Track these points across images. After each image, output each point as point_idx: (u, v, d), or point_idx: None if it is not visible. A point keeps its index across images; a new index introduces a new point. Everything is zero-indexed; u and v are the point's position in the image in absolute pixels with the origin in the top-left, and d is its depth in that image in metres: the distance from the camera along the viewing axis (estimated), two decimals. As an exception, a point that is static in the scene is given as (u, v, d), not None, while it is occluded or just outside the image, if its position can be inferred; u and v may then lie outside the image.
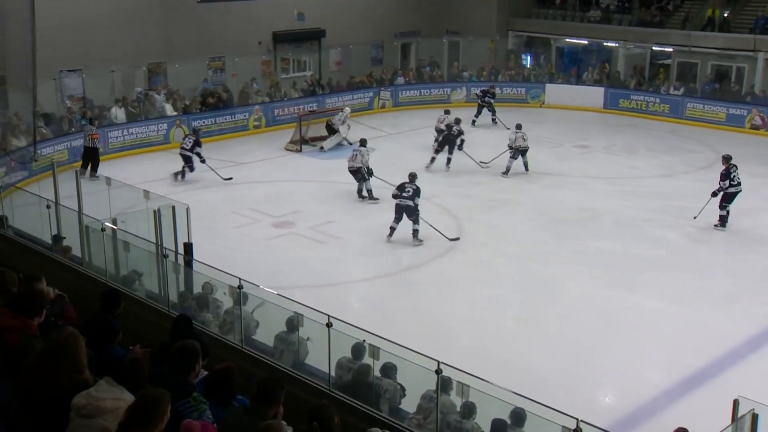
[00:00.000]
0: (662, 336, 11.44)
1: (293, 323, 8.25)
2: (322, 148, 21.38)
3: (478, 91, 25.35)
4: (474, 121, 24.09)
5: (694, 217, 15.43)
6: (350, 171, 17.16)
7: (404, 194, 14.64)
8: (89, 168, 17.92)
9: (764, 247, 14.75)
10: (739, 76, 25.21)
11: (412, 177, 14.96)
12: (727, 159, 15.56)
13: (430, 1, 29.88)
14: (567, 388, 9.65)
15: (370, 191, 17.04)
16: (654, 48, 26.99)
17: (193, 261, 9.95)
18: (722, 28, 25.69)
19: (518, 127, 19.39)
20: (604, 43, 28.23)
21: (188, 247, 10.35)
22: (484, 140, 21.74)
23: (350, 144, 20.88)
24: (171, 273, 9.48)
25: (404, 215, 14.68)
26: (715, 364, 10.58)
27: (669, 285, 13.11)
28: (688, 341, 11.24)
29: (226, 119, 22.90)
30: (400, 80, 27.19)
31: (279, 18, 25.71)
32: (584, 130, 23.98)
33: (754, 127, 22.44)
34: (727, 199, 15.36)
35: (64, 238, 10.72)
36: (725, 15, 26.00)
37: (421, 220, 14.75)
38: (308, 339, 8.14)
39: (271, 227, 15.73)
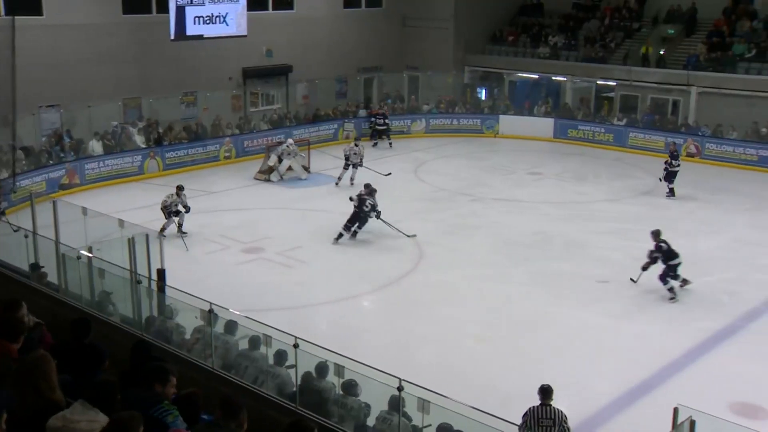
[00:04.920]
0: (609, 350, 11.60)
1: (255, 341, 8.22)
2: (278, 177, 21.33)
3: (371, 118, 26.32)
4: (389, 144, 25.39)
5: (633, 281, 14.06)
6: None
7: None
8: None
9: (700, 266, 14.99)
10: (675, 109, 25.79)
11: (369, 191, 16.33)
12: (656, 235, 13.75)
13: (390, 39, 30.15)
14: (524, 401, 9.67)
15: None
16: (599, 82, 27.47)
17: (166, 286, 9.86)
18: (659, 64, 26.31)
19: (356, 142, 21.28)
20: (553, 78, 28.68)
21: (161, 273, 10.26)
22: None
23: (301, 177, 21.25)
24: (144, 298, 9.39)
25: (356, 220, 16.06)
26: (657, 375, 10.73)
27: (615, 302, 13.30)
28: (633, 354, 11.40)
29: (198, 150, 22.80)
30: (363, 113, 27.33)
31: (248, 55, 25.75)
32: (536, 158, 24.29)
33: (690, 155, 22.92)
34: (671, 269, 13.53)
35: (42, 267, 10.55)
36: (661, 52, 26.62)
37: (380, 222, 16.11)
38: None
39: (241, 253, 15.65)
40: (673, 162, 19.50)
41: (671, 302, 13.27)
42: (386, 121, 25.96)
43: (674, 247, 13.56)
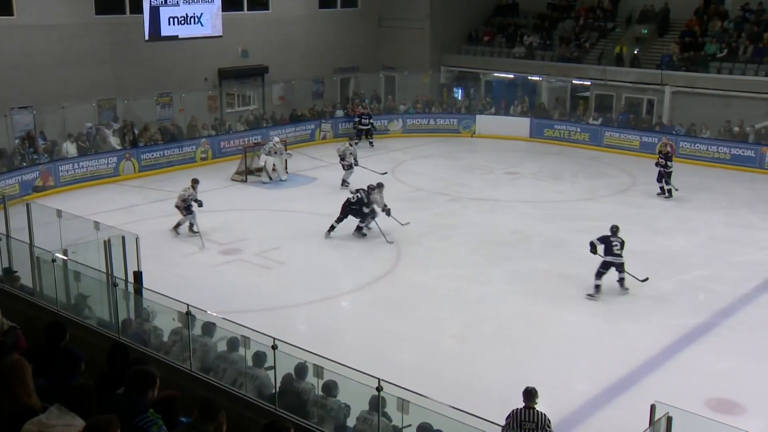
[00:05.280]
0: (588, 348, 11.66)
1: (234, 343, 8.17)
2: (263, 181, 21.18)
3: (355, 117, 26.16)
4: (370, 143, 25.38)
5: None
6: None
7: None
8: None
9: (677, 263, 15.16)
10: (650, 108, 26.04)
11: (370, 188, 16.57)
12: (613, 230, 13.71)
13: (367, 39, 30.15)
14: (503, 401, 9.68)
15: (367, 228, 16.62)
16: (574, 81, 27.66)
17: (143, 288, 9.77)
18: (633, 63, 26.54)
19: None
20: (529, 77, 28.83)
21: (138, 276, 10.17)
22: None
23: (281, 177, 21.10)
24: (121, 301, 9.29)
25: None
26: (634, 372, 10.81)
27: (593, 301, 13.36)
28: (610, 352, 11.48)
29: (174, 152, 22.63)
30: (340, 113, 27.29)
31: (224, 55, 25.61)
32: (513, 157, 24.39)
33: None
34: (604, 266, 13.46)
35: (16, 271, 10.41)
36: (635, 52, 26.86)
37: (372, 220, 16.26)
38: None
39: (218, 254, 15.55)
40: (668, 163, 19.56)
41: (589, 299, 13.26)
42: (371, 120, 25.92)
43: (651, 245, 13.63)
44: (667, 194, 19.64)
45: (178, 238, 16.33)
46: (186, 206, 16.28)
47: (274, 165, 21.24)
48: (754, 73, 24.06)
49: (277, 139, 21.93)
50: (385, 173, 20.17)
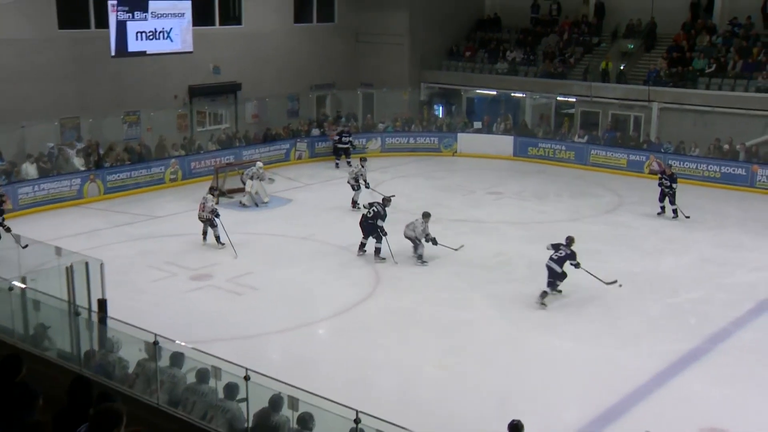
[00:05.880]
0: (575, 375, 11.68)
1: (204, 374, 8.09)
2: (241, 202, 21.15)
3: (335, 136, 26.08)
4: (347, 162, 25.18)
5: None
6: (407, 237, 16.45)
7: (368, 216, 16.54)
8: None
9: (666, 285, 15.27)
10: (637, 125, 26.34)
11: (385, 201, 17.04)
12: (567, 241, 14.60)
13: (344, 55, 30.31)
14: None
15: (420, 256, 16.47)
16: (558, 98, 27.95)
17: (107, 318, 9.67)
18: (620, 79, 26.89)
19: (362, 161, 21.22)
20: (512, 94, 29.10)
21: (102, 304, 10.06)
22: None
23: (263, 200, 21.05)
24: (84, 331, 9.18)
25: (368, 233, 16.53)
26: (624, 401, 10.83)
27: (580, 325, 13.42)
28: (599, 379, 11.50)
29: (141, 173, 22.52)
30: (316, 131, 27.32)
31: (195, 72, 25.61)
32: (496, 177, 24.53)
33: (653, 172, 23.35)
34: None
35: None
36: (621, 68, 27.21)
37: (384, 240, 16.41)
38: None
39: (189, 280, 15.45)
40: (673, 185, 19.65)
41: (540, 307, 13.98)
42: (350, 139, 25.90)
43: (639, 267, 13.75)
44: (674, 215, 19.69)
45: (146, 264, 16.21)
46: (210, 218, 17.15)
47: (257, 190, 21.27)
48: (744, 89, 24.43)
49: (260, 164, 21.79)
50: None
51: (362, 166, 20.82)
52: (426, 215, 16.49)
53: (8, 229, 16.37)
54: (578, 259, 14.27)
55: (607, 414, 10.49)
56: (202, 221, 17.33)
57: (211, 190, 18.10)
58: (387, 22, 29.99)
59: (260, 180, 21.30)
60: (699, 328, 13.35)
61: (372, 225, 16.47)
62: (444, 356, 12.41)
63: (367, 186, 20.55)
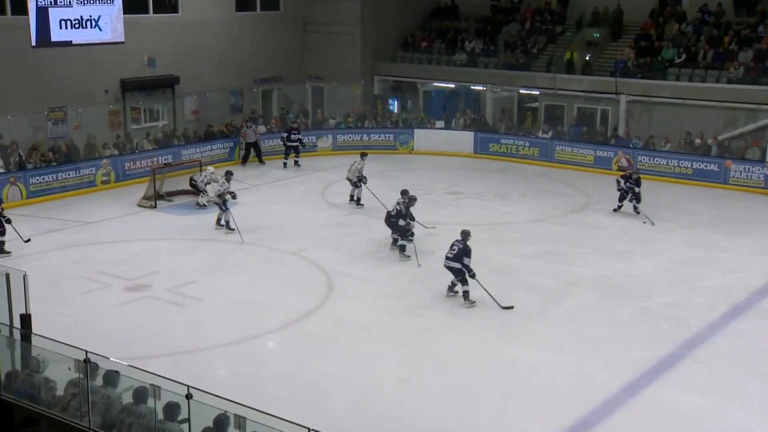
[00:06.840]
0: (541, 386, 11.77)
1: (140, 394, 8.00)
2: (198, 203, 20.95)
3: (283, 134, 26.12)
4: (295, 161, 25.67)
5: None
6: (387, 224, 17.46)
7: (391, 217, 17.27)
8: None
9: (636, 290, 15.50)
10: (604, 119, 26.74)
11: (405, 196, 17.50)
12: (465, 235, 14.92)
13: (291, 46, 30.26)
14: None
15: (403, 247, 17.29)
16: (521, 91, 28.24)
17: (32, 334, 9.50)
18: (585, 71, 27.27)
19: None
20: (472, 87, 29.33)
21: (26, 319, 9.87)
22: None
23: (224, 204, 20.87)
24: (5, 350, 9.01)
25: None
26: (594, 412, 10.95)
27: (545, 333, 13.56)
28: (567, 390, 11.60)
29: (69, 175, 22.18)
30: (262, 129, 27.15)
31: (127, 64, 25.35)
32: (456, 175, 24.70)
33: (621, 169, 23.68)
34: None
35: None
36: (587, 58, 27.60)
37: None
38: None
39: (124, 291, 15.25)
40: (635, 188, 20.09)
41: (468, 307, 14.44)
42: (299, 136, 25.72)
43: (608, 270, 13.89)
44: (635, 212, 20.10)
45: (76, 274, 15.97)
46: (223, 201, 18.32)
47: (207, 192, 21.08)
48: (715, 80, 24.96)
49: (211, 168, 21.39)
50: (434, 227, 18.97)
51: (363, 161, 20.95)
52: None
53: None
54: (473, 264, 14.58)
55: (575, 427, 10.59)
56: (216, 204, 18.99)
57: (228, 174, 19.09)
58: (337, 11, 30.03)
59: (217, 182, 21.07)
60: (672, 333, 13.56)
61: (394, 223, 17.16)
62: (401, 368, 12.44)
63: (364, 182, 20.83)
